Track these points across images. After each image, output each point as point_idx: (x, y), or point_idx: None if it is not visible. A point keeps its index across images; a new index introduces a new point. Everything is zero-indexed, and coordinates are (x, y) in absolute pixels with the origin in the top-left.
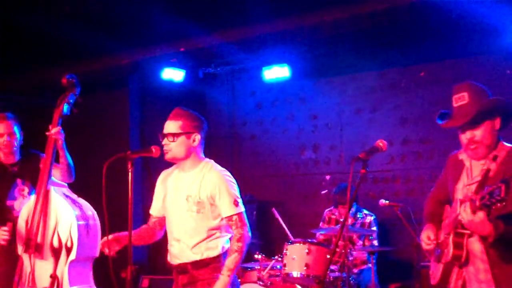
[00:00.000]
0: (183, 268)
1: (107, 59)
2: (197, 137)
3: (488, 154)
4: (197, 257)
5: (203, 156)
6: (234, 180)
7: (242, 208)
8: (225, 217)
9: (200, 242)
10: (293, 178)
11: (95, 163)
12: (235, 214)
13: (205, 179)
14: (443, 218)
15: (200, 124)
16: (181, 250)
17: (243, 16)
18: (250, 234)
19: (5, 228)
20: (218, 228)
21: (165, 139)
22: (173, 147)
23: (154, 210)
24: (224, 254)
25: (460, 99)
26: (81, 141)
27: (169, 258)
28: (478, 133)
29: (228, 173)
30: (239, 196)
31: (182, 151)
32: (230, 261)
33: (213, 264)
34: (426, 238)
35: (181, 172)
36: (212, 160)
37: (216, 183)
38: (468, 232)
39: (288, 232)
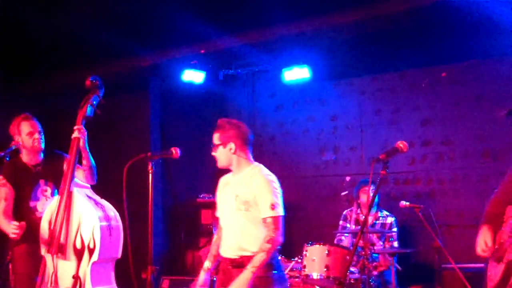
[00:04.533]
0: (238, 263)
1: (128, 61)
2: (232, 145)
3: None
4: (255, 250)
5: (252, 160)
6: (278, 186)
7: (278, 213)
8: (262, 218)
9: (255, 236)
10: (313, 179)
11: (116, 164)
12: (269, 217)
13: (251, 181)
14: (504, 218)
15: (234, 133)
16: (235, 245)
17: (263, 18)
18: (281, 239)
19: (16, 223)
20: None
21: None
22: (218, 156)
23: (218, 214)
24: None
25: None
26: (103, 143)
27: (222, 252)
28: None
29: (274, 179)
30: (278, 202)
31: (224, 159)
32: (257, 259)
33: None
34: (483, 243)
35: (233, 175)
36: (262, 165)
37: (260, 186)
38: None
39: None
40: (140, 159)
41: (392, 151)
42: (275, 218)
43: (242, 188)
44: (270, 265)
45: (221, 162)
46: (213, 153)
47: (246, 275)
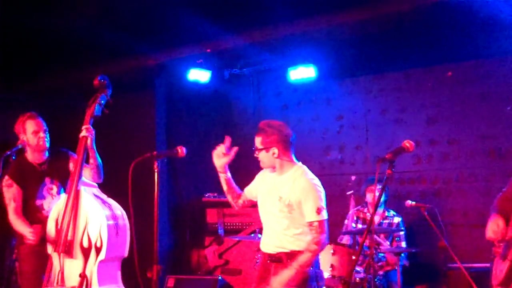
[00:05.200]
0: (278, 258)
1: (134, 61)
2: (275, 150)
3: None
4: (293, 248)
5: (295, 161)
6: (322, 189)
7: (324, 216)
8: (307, 222)
9: (295, 235)
10: (319, 178)
11: (122, 163)
12: (316, 221)
13: (295, 184)
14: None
15: (277, 138)
16: (276, 244)
17: (269, 17)
18: (326, 241)
19: (31, 230)
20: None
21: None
22: (261, 158)
23: (246, 190)
24: None
25: None
26: (108, 142)
27: (262, 248)
28: None
29: (318, 182)
30: (323, 206)
31: (267, 162)
32: (303, 258)
33: None
34: (496, 225)
35: (276, 175)
36: (305, 166)
37: (304, 189)
38: None
39: None
40: (146, 158)
41: (398, 150)
42: (321, 222)
43: (286, 191)
44: None
45: (264, 165)
46: (255, 155)
47: (289, 272)
